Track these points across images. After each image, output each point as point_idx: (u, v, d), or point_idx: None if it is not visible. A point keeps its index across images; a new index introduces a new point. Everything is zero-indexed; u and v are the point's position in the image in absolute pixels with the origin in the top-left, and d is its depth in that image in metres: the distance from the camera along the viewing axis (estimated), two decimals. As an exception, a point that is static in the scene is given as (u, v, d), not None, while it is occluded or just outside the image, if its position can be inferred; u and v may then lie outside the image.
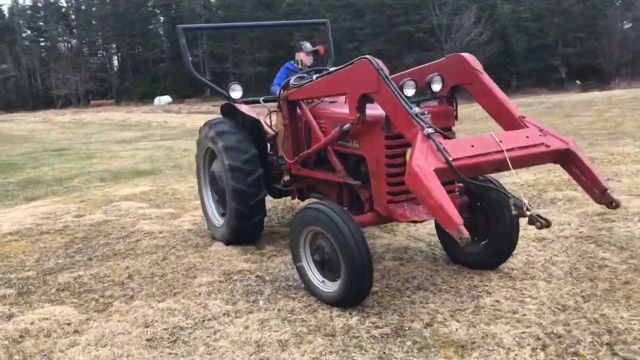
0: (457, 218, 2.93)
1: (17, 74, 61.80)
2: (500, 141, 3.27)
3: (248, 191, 4.96)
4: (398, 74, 4.31)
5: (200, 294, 4.19)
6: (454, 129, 3.95)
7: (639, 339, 3.08)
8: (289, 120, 4.91)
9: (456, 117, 3.98)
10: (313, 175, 4.81)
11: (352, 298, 3.69)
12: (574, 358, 2.93)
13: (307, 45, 5.67)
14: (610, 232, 4.89)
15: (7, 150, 20.10)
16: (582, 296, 3.67)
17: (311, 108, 4.72)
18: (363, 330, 3.42)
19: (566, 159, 3.43)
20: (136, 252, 5.38)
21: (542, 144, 3.35)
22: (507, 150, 3.23)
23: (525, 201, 3.28)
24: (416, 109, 3.40)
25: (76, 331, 3.68)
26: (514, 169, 3.32)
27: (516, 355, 3.00)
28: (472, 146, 3.25)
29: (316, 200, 4.59)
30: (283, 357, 3.17)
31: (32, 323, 3.81)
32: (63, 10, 72.67)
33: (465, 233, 2.88)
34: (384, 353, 3.13)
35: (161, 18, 70.21)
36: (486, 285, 3.97)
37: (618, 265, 4.15)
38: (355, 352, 3.16)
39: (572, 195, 6.17)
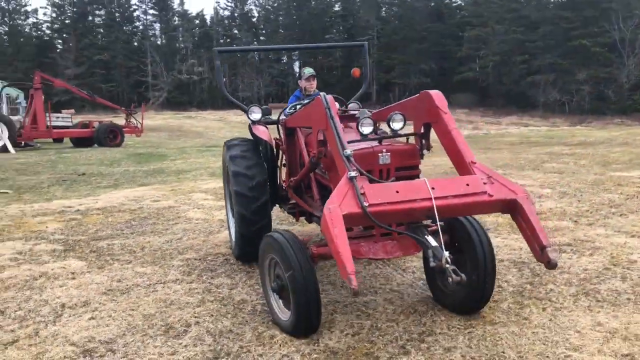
0: (350, 267, 2.91)
1: (211, 76, 69.48)
2: (433, 188, 3.20)
3: (252, 218, 5.04)
4: (385, 107, 4.40)
5: (172, 266, 5.45)
6: (421, 167, 3.99)
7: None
8: (285, 145, 5.23)
9: (427, 150, 3.97)
10: (297, 201, 5.08)
11: (300, 329, 3.67)
12: None
13: (305, 72, 5.81)
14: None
15: (180, 142, 23.56)
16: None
17: (307, 135, 4.79)
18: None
19: (513, 210, 3.26)
20: (166, 232, 6.82)
21: (485, 192, 3.23)
22: (438, 198, 3.16)
23: (446, 253, 3.18)
24: (347, 151, 3.42)
25: (72, 278, 5.16)
26: (446, 217, 3.27)
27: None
28: (397, 192, 3.20)
29: (278, 230, 4.30)
30: (185, 302, 4.28)
31: (52, 269, 5.38)
32: (254, 19, 79.97)
33: (354, 284, 2.85)
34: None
35: (340, 27, 74.14)
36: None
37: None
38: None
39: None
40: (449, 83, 55.86)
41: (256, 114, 5.48)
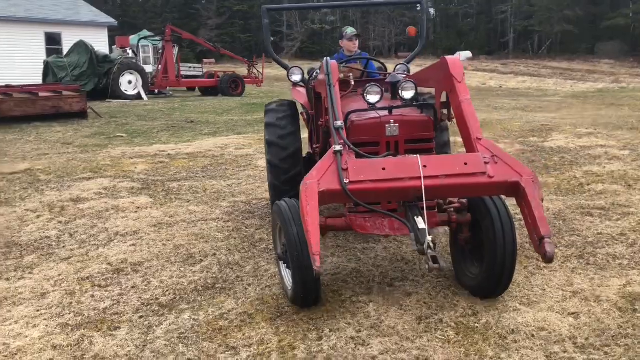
0: (316, 248, 2.82)
1: (342, 25, 69.87)
2: (424, 166, 3.00)
3: (283, 188, 4.83)
4: (418, 71, 4.20)
5: (220, 207, 6.18)
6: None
7: None
8: (314, 110, 4.96)
9: (449, 121, 3.76)
10: None
11: (298, 300, 3.55)
12: None
13: (348, 31, 5.51)
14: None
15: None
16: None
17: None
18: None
19: (516, 193, 3.01)
20: (231, 177, 7.59)
21: (484, 173, 2.98)
22: (428, 177, 2.96)
23: (429, 238, 2.98)
24: (337, 123, 3.30)
25: (136, 211, 6.08)
26: (438, 198, 3.18)
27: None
28: (384, 169, 3.04)
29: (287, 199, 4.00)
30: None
31: (123, 204, 6.35)
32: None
33: (317, 264, 2.79)
34: (249, 255, 4.71)
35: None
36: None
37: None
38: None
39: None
40: (596, 30, 51.20)
41: (296, 76, 5.18)
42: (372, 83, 3.65)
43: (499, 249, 3.37)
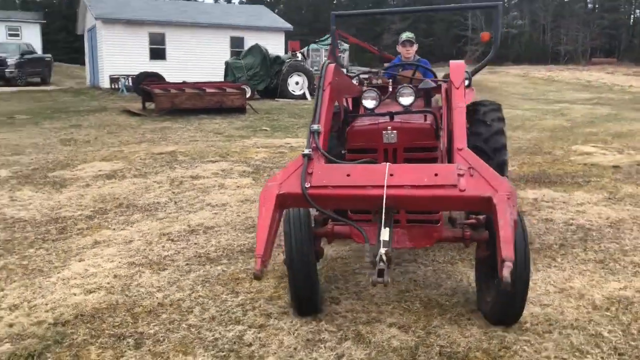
0: (259, 250, 2.75)
1: (531, 29, 66.62)
2: (391, 174, 2.84)
3: None
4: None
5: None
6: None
7: None
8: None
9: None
10: None
11: (294, 307, 3.58)
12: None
13: (403, 36, 5.53)
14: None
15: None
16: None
17: None
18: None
19: (488, 210, 2.75)
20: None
21: (454, 186, 2.75)
22: (392, 186, 2.79)
23: (383, 251, 2.79)
24: (314, 127, 3.19)
25: (234, 189, 7.12)
26: (404, 209, 3.07)
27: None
28: (348, 175, 2.91)
29: None
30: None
31: (228, 182, 7.45)
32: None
33: (257, 267, 2.70)
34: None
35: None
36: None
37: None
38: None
39: None
40: None
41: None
42: (370, 88, 3.65)
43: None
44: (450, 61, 3.71)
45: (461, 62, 3.65)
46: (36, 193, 6.97)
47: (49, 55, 31.87)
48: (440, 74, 5.01)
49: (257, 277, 2.70)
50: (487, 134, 4.69)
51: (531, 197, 6.37)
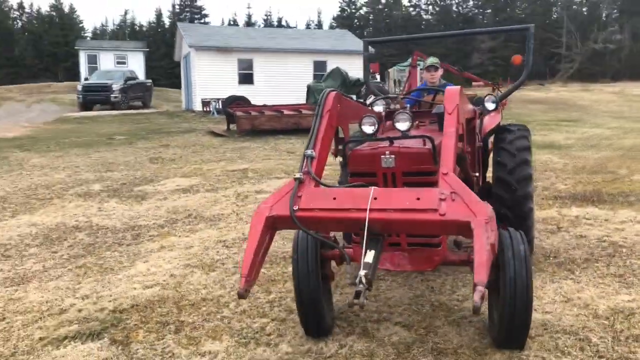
0: (244, 270, 2.86)
1: (631, 44, 63.28)
2: (375, 198, 2.90)
3: None
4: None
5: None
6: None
7: None
8: None
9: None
10: None
11: (302, 324, 3.72)
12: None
13: (427, 62, 5.59)
14: None
15: (540, 115, 24.05)
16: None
17: None
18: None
19: (468, 234, 2.76)
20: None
21: (435, 210, 2.79)
22: (375, 210, 2.85)
23: (363, 272, 2.86)
24: (308, 152, 3.28)
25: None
26: (387, 233, 3.09)
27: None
28: (334, 199, 2.98)
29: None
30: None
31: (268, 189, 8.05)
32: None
33: (241, 286, 2.81)
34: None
35: None
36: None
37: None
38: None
39: None
40: None
41: (377, 106, 4.80)
42: (368, 114, 3.65)
43: (508, 296, 3.15)
44: (447, 87, 3.71)
45: (457, 87, 3.58)
46: (120, 205, 7.91)
47: (150, 80, 34.44)
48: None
49: (241, 296, 2.81)
50: (512, 165, 4.70)
51: (574, 215, 6.46)
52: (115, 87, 28.55)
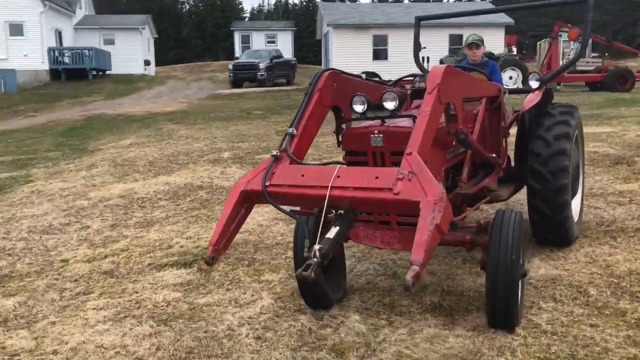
0: (213, 238, 3.06)
1: None
2: (338, 176, 2.99)
3: None
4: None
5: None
6: None
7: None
8: None
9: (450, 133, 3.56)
10: None
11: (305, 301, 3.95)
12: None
13: (469, 39, 5.40)
14: None
15: None
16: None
17: None
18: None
19: (417, 214, 2.74)
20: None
21: (390, 189, 2.83)
22: (336, 188, 2.94)
23: (317, 247, 2.92)
24: (289, 130, 3.40)
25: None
26: (349, 210, 3.12)
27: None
28: (303, 175, 3.09)
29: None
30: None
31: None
32: None
33: (209, 254, 3.05)
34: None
35: None
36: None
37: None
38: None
39: None
40: None
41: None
42: (359, 93, 3.56)
43: (490, 277, 3.29)
44: (433, 66, 3.51)
45: (442, 67, 3.37)
46: (239, 169, 9.15)
47: (294, 58, 36.39)
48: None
49: (208, 262, 3.07)
50: (546, 154, 4.47)
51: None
52: (262, 65, 30.68)
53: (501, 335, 3.34)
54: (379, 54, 27.04)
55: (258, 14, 75.84)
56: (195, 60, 52.03)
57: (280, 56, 34.00)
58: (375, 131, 3.44)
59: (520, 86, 22.33)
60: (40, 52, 30.15)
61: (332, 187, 2.94)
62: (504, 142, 4.79)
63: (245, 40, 45.01)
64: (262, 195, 3.10)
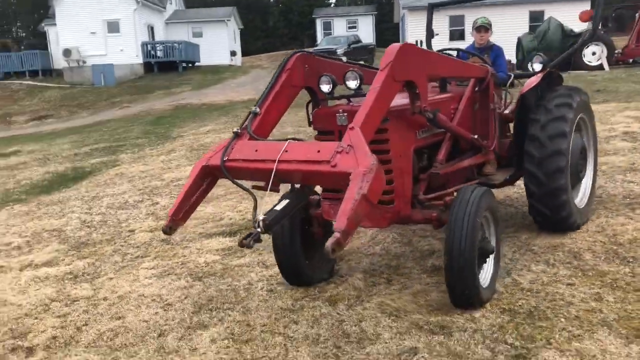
0: (172, 210, 3.29)
1: None
2: (286, 151, 3.09)
3: None
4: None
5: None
6: None
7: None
8: None
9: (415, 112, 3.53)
10: None
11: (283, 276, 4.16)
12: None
13: (477, 22, 5.24)
14: None
15: None
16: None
17: None
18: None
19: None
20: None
21: (328, 162, 2.92)
22: (282, 161, 3.05)
23: (261, 217, 3.07)
24: (253, 109, 3.51)
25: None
26: (294, 183, 3.27)
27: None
28: (256, 151, 3.21)
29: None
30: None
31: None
32: None
33: (166, 224, 3.31)
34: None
35: None
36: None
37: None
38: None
39: None
40: None
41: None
42: (351, 69, 3.59)
43: (447, 253, 3.33)
44: (394, 44, 3.46)
45: (397, 45, 3.38)
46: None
47: (373, 43, 36.53)
48: None
49: (165, 232, 3.34)
50: (540, 156, 4.32)
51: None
52: (339, 51, 31.05)
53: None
54: (456, 35, 26.64)
55: (342, 0, 76.03)
56: (282, 49, 53.18)
57: (358, 41, 34.29)
58: (340, 110, 3.55)
59: (604, 62, 21.42)
60: (135, 46, 32.19)
61: (279, 161, 3.06)
62: (495, 124, 4.59)
63: (327, 27, 45.56)
64: (220, 170, 3.24)
